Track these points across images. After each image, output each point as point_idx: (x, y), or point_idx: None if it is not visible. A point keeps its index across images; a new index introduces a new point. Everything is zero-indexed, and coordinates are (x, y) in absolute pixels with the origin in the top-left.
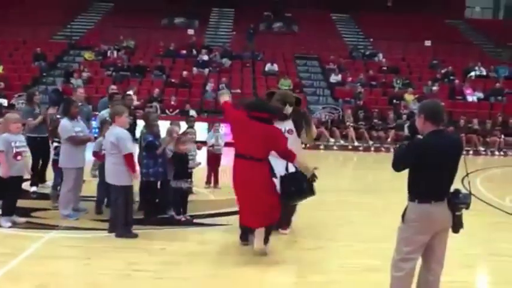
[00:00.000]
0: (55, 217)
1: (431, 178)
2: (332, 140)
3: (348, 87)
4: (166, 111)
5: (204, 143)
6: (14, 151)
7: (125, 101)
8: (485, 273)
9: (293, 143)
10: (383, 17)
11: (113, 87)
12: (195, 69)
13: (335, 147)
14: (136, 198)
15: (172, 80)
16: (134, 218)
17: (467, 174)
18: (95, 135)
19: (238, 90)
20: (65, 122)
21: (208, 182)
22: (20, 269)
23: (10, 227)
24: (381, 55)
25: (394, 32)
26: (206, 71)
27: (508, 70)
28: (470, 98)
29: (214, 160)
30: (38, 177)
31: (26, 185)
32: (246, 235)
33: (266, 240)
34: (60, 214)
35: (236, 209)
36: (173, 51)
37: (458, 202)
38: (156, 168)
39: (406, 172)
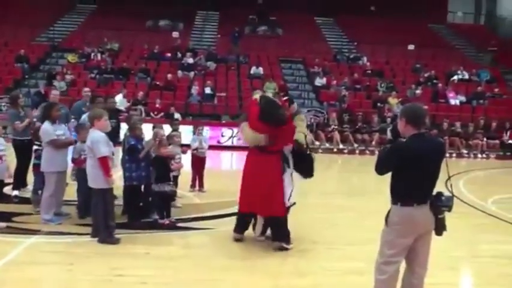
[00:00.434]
0: (37, 222)
1: (413, 181)
2: (317, 142)
3: (332, 91)
4: (151, 114)
5: (188, 146)
6: None
7: (107, 104)
8: (468, 274)
9: None
10: (367, 21)
11: (86, 89)
12: (180, 72)
13: (320, 150)
14: (120, 202)
15: (157, 83)
16: (118, 222)
17: (449, 177)
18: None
19: (223, 94)
20: (46, 126)
21: (193, 185)
22: (0, 275)
23: None
24: (365, 59)
25: (377, 36)
26: (191, 74)
27: (490, 74)
28: (453, 102)
29: (198, 163)
30: (20, 181)
31: (7, 189)
32: (242, 228)
33: (264, 231)
34: (41, 219)
35: (221, 212)
36: (158, 53)
37: (440, 205)
38: (139, 172)
39: (389, 175)
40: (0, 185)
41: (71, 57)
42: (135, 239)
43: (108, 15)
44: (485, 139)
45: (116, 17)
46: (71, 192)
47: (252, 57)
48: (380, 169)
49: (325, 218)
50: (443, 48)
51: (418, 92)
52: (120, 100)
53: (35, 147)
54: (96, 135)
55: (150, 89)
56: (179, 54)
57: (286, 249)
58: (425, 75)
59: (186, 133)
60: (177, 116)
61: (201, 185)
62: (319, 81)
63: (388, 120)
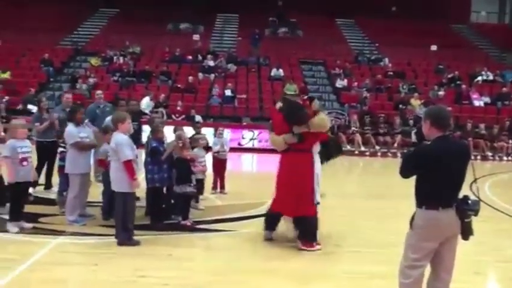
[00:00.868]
0: (62, 223)
1: (438, 184)
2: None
3: (353, 92)
4: (173, 116)
5: (209, 148)
6: (20, 157)
7: (129, 107)
8: (493, 279)
9: None
10: (388, 22)
11: (99, 92)
12: (200, 75)
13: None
14: (143, 203)
15: (178, 86)
16: (141, 223)
17: (475, 180)
18: None
19: (244, 96)
20: (70, 128)
21: (214, 187)
22: (26, 275)
23: (17, 233)
24: (386, 60)
25: (399, 37)
26: (212, 76)
27: None
28: (477, 103)
29: (219, 165)
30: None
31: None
32: (273, 225)
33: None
34: (66, 220)
35: (242, 214)
36: (179, 56)
37: (467, 209)
38: (161, 174)
39: (413, 177)
40: (25, 187)
41: (94, 61)
42: (158, 240)
43: (129, 19)
44: (510, 141)
45: (138, 21)
46: (95, 193)
47: (272, 59)
48: (404, 172)
49: (348, 221)
50: (466, 49)
51: (440, 93)
52: (147, 103)
53: (60, 149)
54: (121, 139)
55: (171, 91)
56: (200, 57)
57: (312, 250)
58: (448, 76)
59: (207, 135)
60: (197, 118)
61: (222, 187)
62: (340, 83)
63: (411, 122)
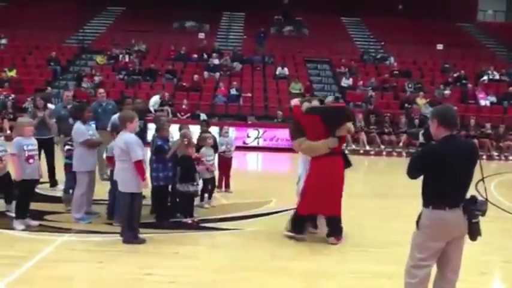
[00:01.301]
0: (68, 220)
1: (445, 184)
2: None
3: (359, 91)
4: (178, 114)
5: (217, 147)
6: (26, 154)
7: (135, 105)
8: (499, 279)
9: None
10: (394, 21)
11: (101, 91)
12: (206, 73)
13: (346, 152)
14: (148, 202)
15: (184, 84)
16: (146, 221)
17: (483, 179)
18: None
19: (249, 94)
20: (79, 126)
21: (219, 186)
22: (33, 272)
23: (23, 230)
24: (392, 59)
25: (405, 35)
26: (217, 74)
27: None
28: (483, 102)
29: (225, 164)
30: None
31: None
32: (302, 229)
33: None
34: (72, 217)
35: (247, 213)
36: (184, 55)
37: (474, 209)
38: (166, 172)
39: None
40: (32, 184)
41: (100, 59)
42: (163, 238)
43: (135, 17)
44: None
45: (144, 19)
46: (100, 191)
47: (277, 57)
48: (412, 173)
49: (353, 221)
50: (473, 48)
51: (446, 92)
52: (155, 101)
53: (66, 147)
54: (130, 138)
55: (176, 90)
56: (205, 55)
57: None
58: (454, 75)
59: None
60: (202, 116)
61: (227, 186)
62: (346, 82)
63: (416, 121)
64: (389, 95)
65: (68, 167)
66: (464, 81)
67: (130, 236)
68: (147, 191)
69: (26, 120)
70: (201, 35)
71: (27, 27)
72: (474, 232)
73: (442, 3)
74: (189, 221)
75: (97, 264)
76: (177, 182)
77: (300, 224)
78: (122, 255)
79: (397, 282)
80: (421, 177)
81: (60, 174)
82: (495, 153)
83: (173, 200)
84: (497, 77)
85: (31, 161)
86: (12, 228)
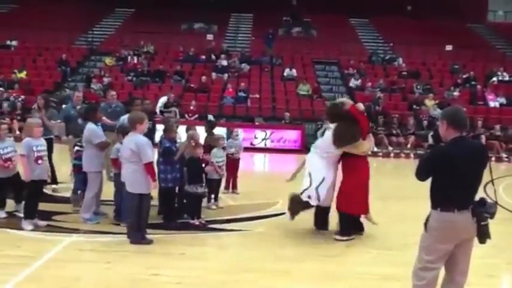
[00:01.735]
0: (76, 221)
1: (454, 186)
2: None
3: (367, 92)
4: (186, 116)
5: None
6: (36, 155)
7: (144, 106)
8: (507, 282)
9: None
10: (402, 22)
11: (113, 93)
12: (214, 74)
13: None
14: (155, 202)
15: (192, 85)
16: (154, 222)
17: (492, 181)
18: None
19: (257, 95)
20: (93, 127)
21: (227, 187)
22: (41, 272)
23: (32, 230)
24: (400, 60)
25: (413, 36)
26: (225, 76)
27: None
28: (492, 104)
29: (233, 165)
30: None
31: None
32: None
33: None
34: (81, 217)
35: (254, 214)
36: (192, 56)
37: (483, 211)
38: (174, 174)
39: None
40: (40, 185)
41: (108, 60)
42: (171, 239)
43: (144, 18)
44: None
45: (152, 21)
46: (108, 192)
47: (285, 59)
48: (420, 175)
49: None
50: (482, 49)
51: (455, 93)
52: (162, 102)
53: (76, 148)
54: (141, 140)
55: (184, 91)
56: (213, 57)
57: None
58: (464, 76)
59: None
60: (210, 117)
61: (234, 187)
62: (354, 83)
63: (425, 123)
64: (398, 96)
65: (76, 168)
66: (473, 83)
67: (138, 237)
68: (154, 192)
69: (35, 121)
70: (210, 36)
71: (37, 29)
72: (483, 235)
73: (451, 4)
74: (197, 223)
75: (104, 264)
76: (184, 183)
77: (352, 224)
78: (129, 255)
79: (405, 285)
80: (430, 179)
81: (60, 173)
82: (504, 155)
83: (180, 201)
84: (507, 78)
85: (40, 161)
86: (21, 229)
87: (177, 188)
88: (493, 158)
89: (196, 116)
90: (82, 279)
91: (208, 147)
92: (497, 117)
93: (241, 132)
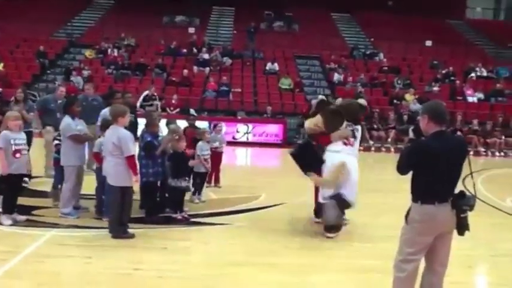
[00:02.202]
0: (56, 215)
1: (434, 179)
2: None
3: (348, 87)
4: (167, 109)
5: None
6: (13, 148)
7: (124, 99)
8: (486, 273)
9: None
10: (384, 17)
11: (88, 86)
12: (195, 68)
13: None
14: (137, 196)
15: (173, 79)
16: (135, 216)
17: (471, 174)
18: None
19: (239, 89)
20: (67, 120)
21: (209, 181)
22: (20, 267)
23: (11, 225)
24: (381, 55)
25: (394, 31)
26: (207, 69)
27: (509, 71)
28: (470, 99)
29: (216, 159)
30: None
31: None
32: None
33: None
34: (60, 212)
35: (236, 208)
36: (174, 49)
37: (462, 204)
38: (155, 168)
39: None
40: (19, 179)
41: (89, 53)
42: (153, 233)
43: (125, 11)
44: (503, 137)
45: (133, 13)
46: (89, 186)
47: (267, 53)
48: (402, 169)
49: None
50: (461, 45)
51: (435, 89)
52: (144, 96)
53: (55, 141)
54: (123, 133)
55: (166, 84)
56: (195, 50)
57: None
58: (443, 71)
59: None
60: (192, 111)
61: (217, 181)
62: (337, 77)
63: (405, 117)
64: (379, 91)
65: (57, 162)
66: (452, 78)
67: (120, 231)
68: (136, 186)
69: (11, 114)
70: (191, 30)
71: (14, 20)
72: (462, 227)
73: (431, 0)
74: (179, 217)
75: (85, 259)
76: (167, 177)
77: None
78: (111, 250)
79: (386, 277)
80: (410, 173)
81: (39, 166)
82: (482, 149)
83: (162, 195)
84: (485, 74)
85: (18, 155)
86: None
87: (158, 182)
88: (471, 152)
89: (178, 109)
90: (63, 274)
91: (194, 141)
92: (476, 112)
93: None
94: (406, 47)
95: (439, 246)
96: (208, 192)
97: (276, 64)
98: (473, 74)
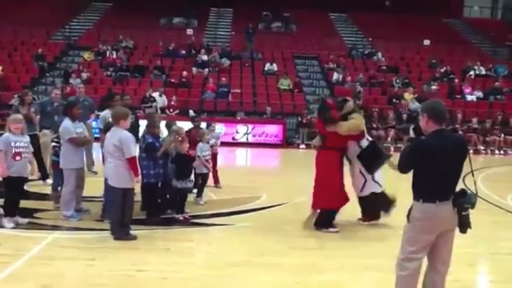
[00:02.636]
0: (57, 218)
1: (435, 178)
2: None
3: (347, 87)
4: (166, 111)
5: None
6: (14, 151)
7: (123, 101)
8: (487, 271)
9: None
10: (381, 16)
11: (80, 86)
12: (194, 69)
13: None
14: (138, 198)
15: (172, 80)
16: (137, 218)
17: (472, 173)
18: (96, 135)
19: (238, 90)
20: (66, 123)
21: None
22: (23, 270)
23: (13, 228)
24: (379, 54)
25: (392, 31)
26: (206, 71)
27: (507, 69)
28: (469, 97)
29: (212, 159)
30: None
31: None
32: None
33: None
34: (62, 215)
35: (237, 209)
36: (172, 51)
37: (463, 202)
38: (157, 170)
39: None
40: (19, 182)
41: (87, 55)
42: (155, 235)
43: (122, 13)
44: (502, 135)
45: (131, 15)
46: (91, 188)
47: (266, 53)
48: (402, 167)
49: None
50: (459, 44)
51: (434, 87)
52: (156, 98)
53: (53, 144)
54: (125, 135)
55: (165, 86)
56: (193, 51)
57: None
58: (441, 70)
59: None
60: (191, 113)
61: (216, 181)
62: (336, 77)
63: (404, 116)
64: (377, 90)
65: (55, 165)
66: (451, 77)
67: (122, 233)
68: (137, 188)
69: (13, 117)
70: (189, 31)
71: (12, 24)
72: (464, 224)
73: None
74: (181, 218)
75: (88, 261)
76: (167, 179)
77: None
78: (114, 252)
79: (389, 276)
80: (411, 172)
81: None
82: (482, 148)
83: (164, 196)
84: (483, 72)
85: (18, 158)
86: (2, 226)
87: (159, 183)
88: (471, 151)
89: (177, 111)
90: (65, 276)
91: (194, 142)
92: (475, 110)
93: (222, 127)
94: (404, 46)
95: (441, 244)
96: (209, 193)
97: (274, 64)
98: (471, 73)
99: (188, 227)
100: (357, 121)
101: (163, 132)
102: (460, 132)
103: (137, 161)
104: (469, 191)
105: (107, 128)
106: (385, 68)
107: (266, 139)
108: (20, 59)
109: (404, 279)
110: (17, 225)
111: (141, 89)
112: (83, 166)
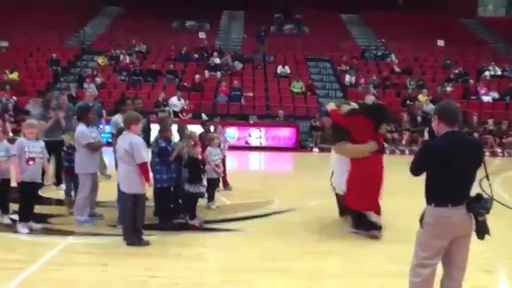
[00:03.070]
0: (71, 223)
1: (448, 181)
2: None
3: (360, 89)
4: (179, 115)
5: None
6: (27, 156)
7: (135, 105)
8: (504, 277)
9: None
10: (394, 17)
11: (90, 90)
12: (207, 73)
13: None
14: (151, 203)
15: (185, 84)
16: (149, 223)
17: (487, 176)
18: (108, 140)
19: (251, 94)
20: (82, 128)
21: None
22: (37, 276)
23: (27, 233)
24: (393, 56)
25: (405, 32)
26: (218, 74)
27: None
28: (485, 98)
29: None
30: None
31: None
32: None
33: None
34: (76, 220)
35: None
36: (185, 54)
37: (477, 207)
38: (170, 175)
39: (423, 175)
40: (33, 187)
41: (101, 60)
42: (167, 240)
43: (135, 17)
44: None
45: (143, 19)
46: (104, 193)
47: (278, 56)
48: (414, 170)
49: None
50: (473, 43)
51: (448, 89)
52: (175, 102)
53: (65, 149)
54: (136, 140)
55: (178, 90)
56: (206, 55)
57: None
58: (456, 71)
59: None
60: (204, 116)
61: (225, 184)
62: (349, 79)
63: (419, 118)
64: (391, 92)
65: (67, 171)
66: (465, 78)
67: (134, 238)
68: (149, 193)
69: (27, 122)
70: (202, 34)
71: (27, 29)
72: (481, 230)
73: None
74: (196, 224)
75: (101, 266)
76: (180, 183)
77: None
78: (126, 257)
79: (402, 282)
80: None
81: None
82: (498, 150)
83: (176, 201)
84: (499, 72)
85: (31, 163)
86: (16, 232)
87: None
88: (487, 153)
89: (190, 115)
90: (79, 282)
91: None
92: (490, 111)
93: (235, 131)
94: (417, 47)
95: (455, 250)
96: (222, 198)
97: (287, 67)
98: (486, 73)
99: (201, 232)
100: (364, 149)
101: (175, 136)
102: (476, 135)
103: (149, 166)
104: (485, 196)
105: (119, 132)
106: (398, 69)
107: (279, 142)
108: (35, 65)
109: (418, 285)
110: (31, 231)
111: (154, 93)
112: (97, 171)
